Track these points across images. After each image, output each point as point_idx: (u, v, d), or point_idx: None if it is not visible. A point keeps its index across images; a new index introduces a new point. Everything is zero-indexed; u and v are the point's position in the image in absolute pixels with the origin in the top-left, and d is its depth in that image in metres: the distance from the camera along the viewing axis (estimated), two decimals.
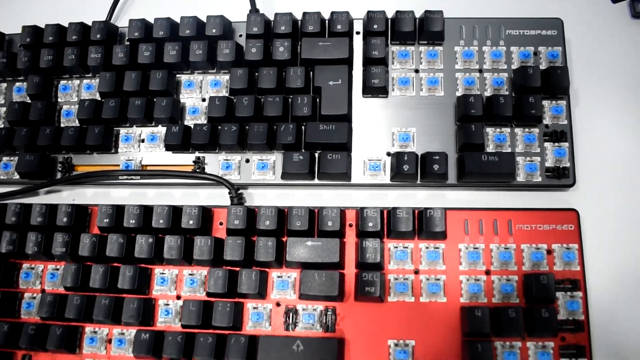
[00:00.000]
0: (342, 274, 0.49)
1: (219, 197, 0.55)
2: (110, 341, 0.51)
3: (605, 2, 0.58)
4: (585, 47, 0.56)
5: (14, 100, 0.59)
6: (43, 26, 0.59)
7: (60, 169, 0.56)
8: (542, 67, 0.53)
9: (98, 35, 0.57)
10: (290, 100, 0.54)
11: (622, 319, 0.49)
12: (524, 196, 0.53)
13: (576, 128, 0.53)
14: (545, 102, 0.52)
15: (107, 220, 0.52)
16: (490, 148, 0.52)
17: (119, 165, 0.56)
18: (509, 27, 0.55)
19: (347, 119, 0.53)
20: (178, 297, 0.51)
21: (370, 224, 0.49)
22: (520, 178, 0.51)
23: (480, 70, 0.54)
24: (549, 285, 0.47)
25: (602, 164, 0.53)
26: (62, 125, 0.57)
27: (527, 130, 0.52)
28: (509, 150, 0.52)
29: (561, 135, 0.52)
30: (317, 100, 0.54)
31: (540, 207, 0.50)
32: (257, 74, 0.55)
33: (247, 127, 0.54)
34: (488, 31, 0.55)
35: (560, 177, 0.51)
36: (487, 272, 0.49)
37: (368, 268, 0.49)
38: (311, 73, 0.54)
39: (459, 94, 0.53)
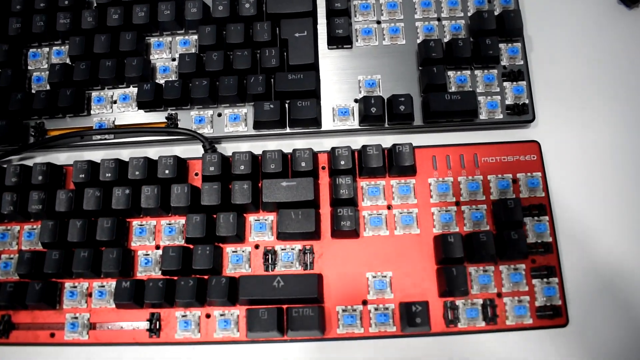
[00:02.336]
0: (318, 213, 0.51)
1: (193, 152, 0.56)
2: (90, 294, 0.51)
3: None
4: None
5: None
6: None
7: (32, 133, 0.56)
8: (497, 12, 0.56)
9: (66, 1, 0.58)
10: (258, 53, 0.56)
11: (588, 237, 0.51)
12: (487, 135, 0.55)
13: (532, 69, 0.56)
14: (501, 45, 0.55)
15: (83, 175, 0.52)
16: (452, 89, 0.54)
17: (92, 127, 0.56)
18: None
19: (314, 67, 0.55)
20: (157, 247, 0.52)
21: (342, 162, 0.51)
22: (483, 116, 0.54)
23: (439, 19, 0.57)
24: (517, 208, 0.49)
25: (558, 100, 0.56)
26: (33, 91, 0.58)
27: (486, 71, 0.55)
28: (470, 90, 0.54)
29: (518, 74, 0.55)
30: (284, 52, 0.56)
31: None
32: (224, 31, 0.56)
33: (217, 82, 0.55)
34: None
35: (521, 113, 0.54)
36: (457, 203, 0.51)
37: (342, 204, 0.50)
38: (277, 27, 0.56)
39: (419, 40, 0.56)
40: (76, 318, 0.50)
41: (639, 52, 0.57)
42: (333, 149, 0.51)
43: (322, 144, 0.56)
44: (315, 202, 0.50)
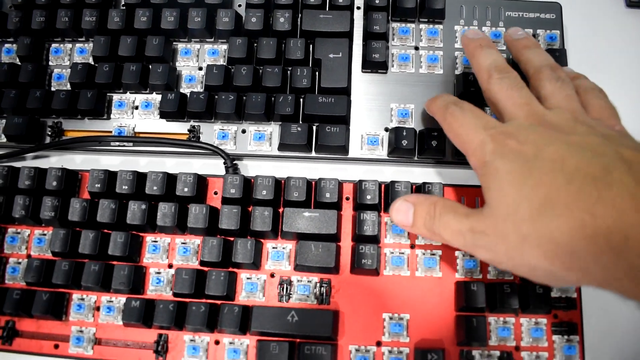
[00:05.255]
0: (339, 247, 0.49)
1: (213, 167, 0.54)
2: (98, 308, 0.50)
3: None
4: (581, 35, 0.57)
5: (2, 62, 0.57)
6: None
7: (49, 133, 0.55)
8: None
9: None
10: (289, 71, 0.53)
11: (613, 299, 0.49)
12: None
13: None
14: None
15: (99, 185, 0.50)
16: None
17: (110, 131, 0.54)
18: (509, 9, 0.55)
19: (346, 92, 0.53)
20: (170, 266, 0.50)
21: (369, 197, 0.49)
22: None
23: None
24: None
25: None
26: (52, 89, 0.56)
27: None
28: None
29: None
30: (317, 72, 0.53)
31: None
32: (256, 44, 0.54)
33: (244, 97, 0.53)
34: (488, 12, 0.55)
35: None
36: None
37: (365, 241, 0.48)
38: (311, 45, 0.54)
39: (458, 72, 0.54)
40: (82, 332, 0.49)
41: None
42: (360, 181, 0.49)
43: (347, 171, 0.54)
44: (336, 236, 0.49)
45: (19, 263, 0.51)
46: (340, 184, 0.50)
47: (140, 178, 0.51)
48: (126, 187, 0.50)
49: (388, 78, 0.54)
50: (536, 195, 0.34)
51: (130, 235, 0.49)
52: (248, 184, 0.50)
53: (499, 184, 0.36)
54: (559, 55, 0.52)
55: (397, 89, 0.54)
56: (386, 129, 0.53)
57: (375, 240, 0.48)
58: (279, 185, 0.50)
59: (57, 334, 0.50)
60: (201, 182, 0.51)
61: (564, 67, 0.51)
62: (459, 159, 0.52)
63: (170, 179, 0.50)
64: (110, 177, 0.51)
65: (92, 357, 0.49)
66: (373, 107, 0.53)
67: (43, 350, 0.49)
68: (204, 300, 0.48)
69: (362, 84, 0.54)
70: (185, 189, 0.50)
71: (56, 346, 0.49)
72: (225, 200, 0.50)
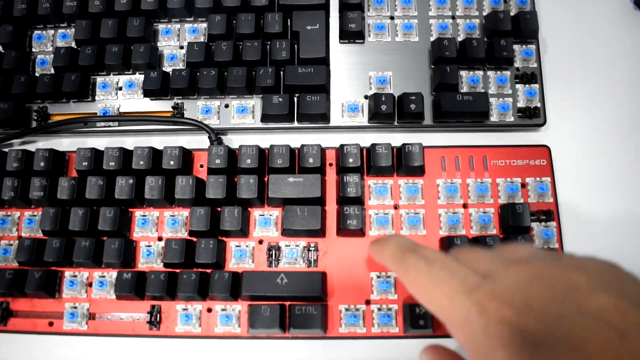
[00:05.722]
0: (324, 210, 0.50)
1: (198, 143, 0.55)
2: (90, 284, 0.50)
3: None
4: None
5: None
6: None
7: (35, 117, 0.55)
8: (512, 13, 0.55)
9: None
10: (268, 45, 0.55)
11: (596, 245, 0.50)
12: (497, 136, 0.54)
13: (545, 72, 0.55)
14: (515, 47, 0.54)
15: (86, 163, 0.51)
16: (464, 89, 0.54)
17: (96, 112, 0.55)
18: None
19: (325, 62, 0.54)
20: (160, 239, 0.51)
21: (351, 160, 0.50)
22: (494, 118, 0.53)
23: (453, 17, 0.56)
24: (525, 213, 0.48)
25: (570, 105, 0.55)
26: (37, 74, 0.57)
27: (499, 72, 0.54)
28: (482, 91, 0.53)
29: (531, 77, 0.54)
30: (295, 44, 0.55)
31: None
32: (234, 20, 0.55)
33: (225, 72, 0.54)
34: None
35: (532, 116, 0.53)
36: (465, 206, 0.50)
37: (349, 203, 0.50)
38: (289, 19, 0.55)
39: (433, 38, 0.55)
40: (75, 308, 0.50)
41: None
42: (342, 146, 0.50)
43: (329, 140, 0.55)
44: (321, 199, 0.50)
45: (10, 245, 0.52)
46: (322, 149, 0.51)
47: (126, 154, 0.52)
48: (113, 164, 0.51)
49: (365, 47, 0.55)
50: None
51: (119, 210, 0.50)
52: (233, 154, 0.51)
53: None
54: (529, 17, 0.53)
55: (375, 57, 0.55)
56: (366, 97, 0.54)
57: (359, 201, 0.49)
58: (263, 154, 0.51)
59: (51, 311, 0.50)
60: (187, 155, 0.52)
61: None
62: (438, 124, 0.53)
63: (156, 154, 0.51)
64: (97, 155, 0.52)
65: (87, 332, 0.49)
66: (352, 76, 0.54)
67: (38, 329, 0.50)
68: (194, 270, 0.49)
69: (341, 54, 0.55)
70: (172, 162, 0.51)
71: (50, 323, 0.50)
72: (211, 171, 0.51)
